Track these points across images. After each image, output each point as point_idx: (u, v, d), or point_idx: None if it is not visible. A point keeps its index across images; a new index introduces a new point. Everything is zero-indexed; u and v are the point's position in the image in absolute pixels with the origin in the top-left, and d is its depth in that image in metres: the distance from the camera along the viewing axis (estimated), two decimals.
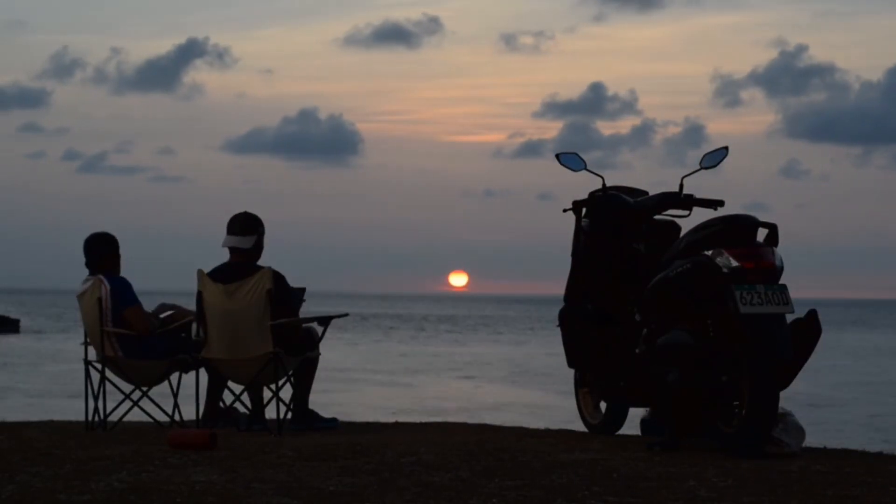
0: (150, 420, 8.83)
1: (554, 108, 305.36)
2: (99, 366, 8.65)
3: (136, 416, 8.81)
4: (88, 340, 8.67)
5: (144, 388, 8.72)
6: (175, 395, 8.67)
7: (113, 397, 8.67)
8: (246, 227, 8.59)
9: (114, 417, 8.65)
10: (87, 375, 8.68)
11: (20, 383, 27.36)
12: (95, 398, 8.63)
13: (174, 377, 8.70)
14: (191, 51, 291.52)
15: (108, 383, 8.66)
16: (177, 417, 8.69)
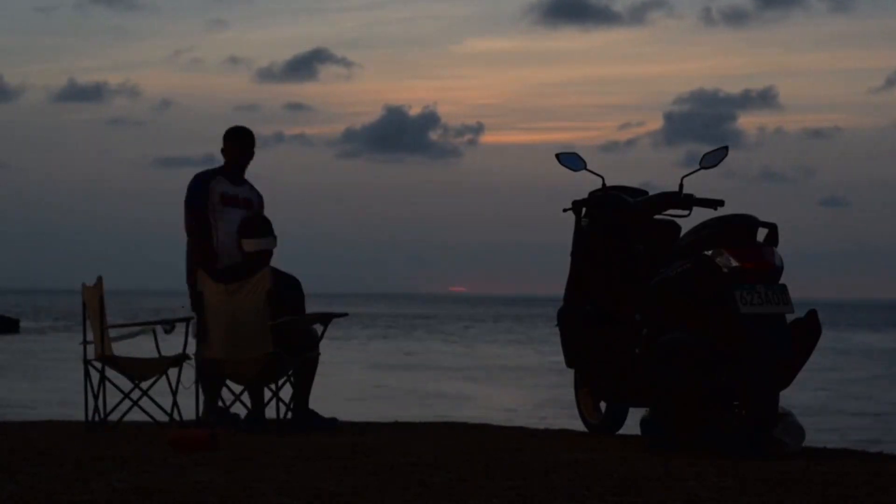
0: (150, 420, 8.82)
1: (688, 100, 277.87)
2: (99, 365, 8.65)
3: (136, 415, 8.81)
4: (89, 339, 8.66)
5: (144, 387, 8.71)
6: (174, 394, 8.67)
7: (113, 397, 8.67)
8: (266, 227, 8.53)
9: (114, 417, 8.65)
10: (87, 375, 8.68)
11: (20, 383, 27.36)
12: (95, 398, 8.63)
13: (173, 376, 8.69)
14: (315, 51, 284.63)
15: (108, 383, 8.66)
16: (176, 416, 8.69)
